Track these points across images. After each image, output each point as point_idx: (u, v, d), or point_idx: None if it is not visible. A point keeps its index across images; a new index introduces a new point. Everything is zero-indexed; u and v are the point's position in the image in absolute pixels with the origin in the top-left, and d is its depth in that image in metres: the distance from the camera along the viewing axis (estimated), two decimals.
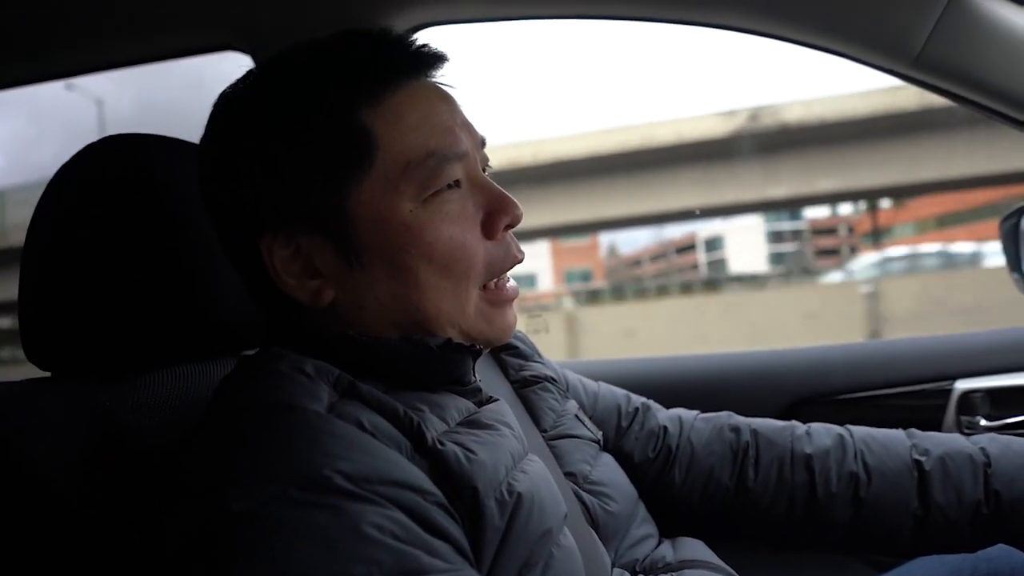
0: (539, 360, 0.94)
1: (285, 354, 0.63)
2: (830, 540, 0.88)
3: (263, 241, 0.64)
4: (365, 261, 0.64)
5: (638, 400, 0.98)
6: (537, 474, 0.63)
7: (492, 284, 0.68)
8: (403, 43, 0.67)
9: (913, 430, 0.91)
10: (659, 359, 1.34)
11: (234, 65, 1.02)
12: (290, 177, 0.63)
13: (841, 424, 0.95)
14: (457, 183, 0.66)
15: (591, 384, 0.99)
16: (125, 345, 0.71)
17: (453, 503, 0.55)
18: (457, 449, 0.58)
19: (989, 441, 0.87)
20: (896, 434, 0.90)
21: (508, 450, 0.62)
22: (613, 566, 0.74)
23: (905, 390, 1.19)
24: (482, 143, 0.71)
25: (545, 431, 0.84)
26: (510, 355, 0.92)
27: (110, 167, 0.74)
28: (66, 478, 0.64)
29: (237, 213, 0.66)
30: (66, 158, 0.75)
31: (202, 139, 0.68)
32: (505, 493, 0.58)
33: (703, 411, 0.99)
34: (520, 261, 0.70)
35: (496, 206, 0.67)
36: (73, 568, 0.64)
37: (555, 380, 0.91)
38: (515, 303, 0.72)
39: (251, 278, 0.67)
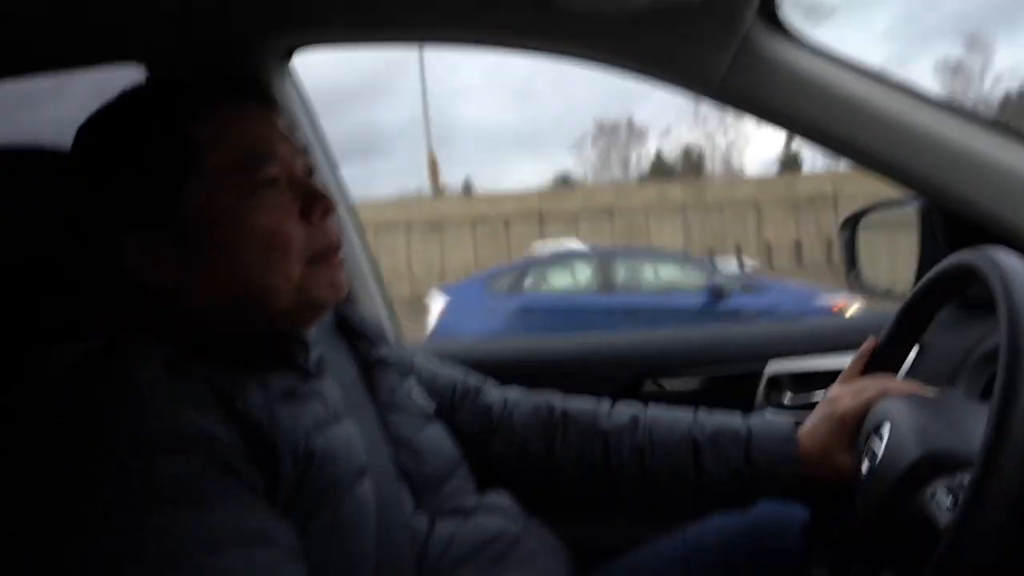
0: (384, 344, 1.09)
1: (122, 336, 0.76)
2: (626, 503, 1.05)
3: (117, 238, 0.79)
4: (202, 249, 0.79)
5: (474, 381, 1.14)
6: (337, 437, 0.79)
7: (319, 255, 0.82)
8: (227, 76, 0.84)
9: (700, 411, 1.07)
10: (519, 342, 1.51)
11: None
12: (134, 183, 0.79)
13: (671, 400, 1.12)
14: (274, 181, 0.81)
15: (434, 365, 1.15)
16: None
17: (255, 455, 0.70)
18: (264, 413, 0.73)
19: (757, 420, 1.04)
20: (682, 414, 1.06)
21: (311, 417, 0.78)
22: (423, 512, 0.89)
23: (726, 372, 1.37)
24: (303, 149, 0.87)
25: (379, 403, 0.99)
26: (359, 340, 1.06)
27: None
28: None
29: (94, 215, 0.81)
30: None
31: (71, 152, 0.83)
32: (301, 449, 0.74)
33: (545, 388, 1.16)
34: (337, 241, 0.85)
35: (310, 198, 0.83)
36: None
37: (396, 363, 1.06)
38: (341, 271, 0.86)
39: (105, 271, 0.81)
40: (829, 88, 1.07)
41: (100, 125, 0.82)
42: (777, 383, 1.33)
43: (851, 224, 1.32)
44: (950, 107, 1.07)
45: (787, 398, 1.32)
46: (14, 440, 0.70)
